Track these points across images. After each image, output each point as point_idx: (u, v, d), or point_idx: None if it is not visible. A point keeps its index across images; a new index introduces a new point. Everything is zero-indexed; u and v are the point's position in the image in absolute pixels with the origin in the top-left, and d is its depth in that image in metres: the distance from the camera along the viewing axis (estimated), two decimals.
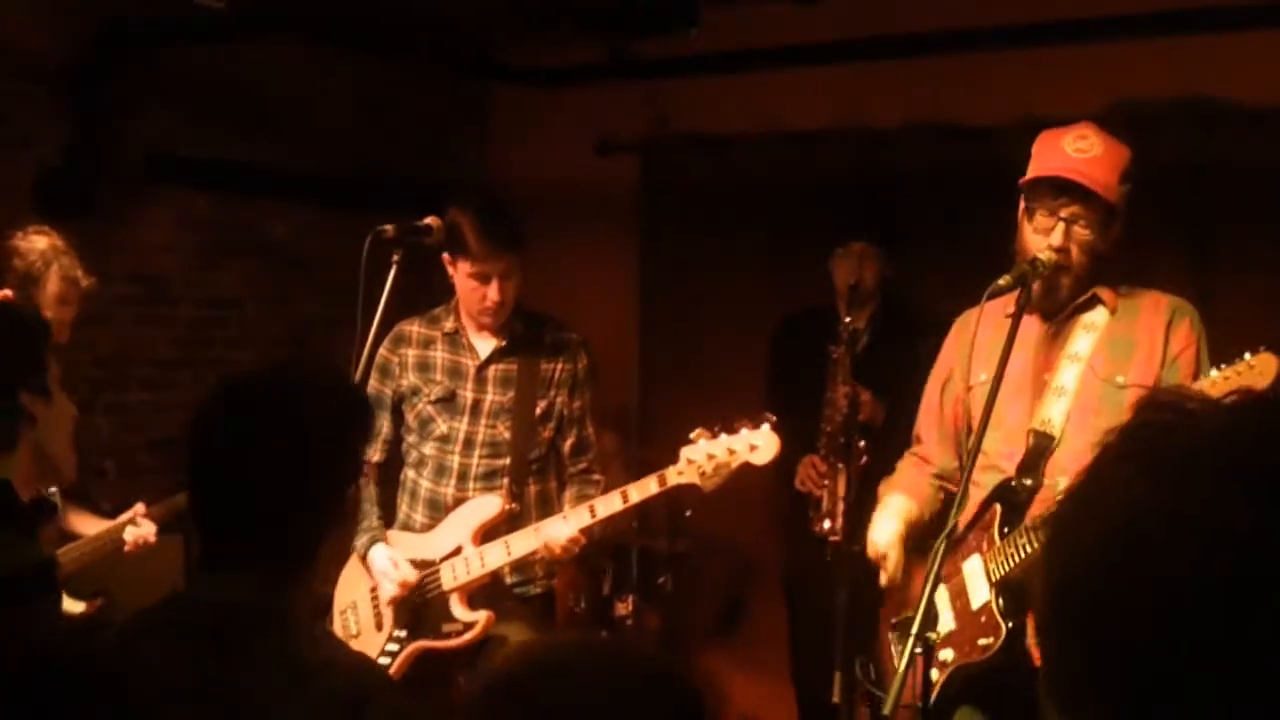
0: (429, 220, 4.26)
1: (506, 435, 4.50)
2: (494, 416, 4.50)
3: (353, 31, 6.24)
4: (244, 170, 6.66)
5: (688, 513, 6.10)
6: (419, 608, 4.46)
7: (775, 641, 6.08)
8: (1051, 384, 3.57)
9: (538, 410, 4.53)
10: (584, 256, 7.12)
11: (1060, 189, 3.48)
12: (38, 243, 4.51)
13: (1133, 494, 1.13)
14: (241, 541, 2.32)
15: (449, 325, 4.57)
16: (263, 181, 6.75)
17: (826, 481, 5.32)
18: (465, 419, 4.50)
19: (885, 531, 3.77)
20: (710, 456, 4.16)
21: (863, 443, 5.29)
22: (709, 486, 4.21)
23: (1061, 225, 3.48)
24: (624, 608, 6.06)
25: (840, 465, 5.25)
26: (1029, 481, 3.52)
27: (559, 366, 4.57)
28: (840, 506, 5.22)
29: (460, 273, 4.41)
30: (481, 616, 4.40)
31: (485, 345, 4.55)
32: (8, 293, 4.41)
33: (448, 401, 4.51)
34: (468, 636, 4.41)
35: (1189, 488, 1.10)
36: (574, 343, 4.62)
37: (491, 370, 4.53)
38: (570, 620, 5.89)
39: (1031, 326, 3.65)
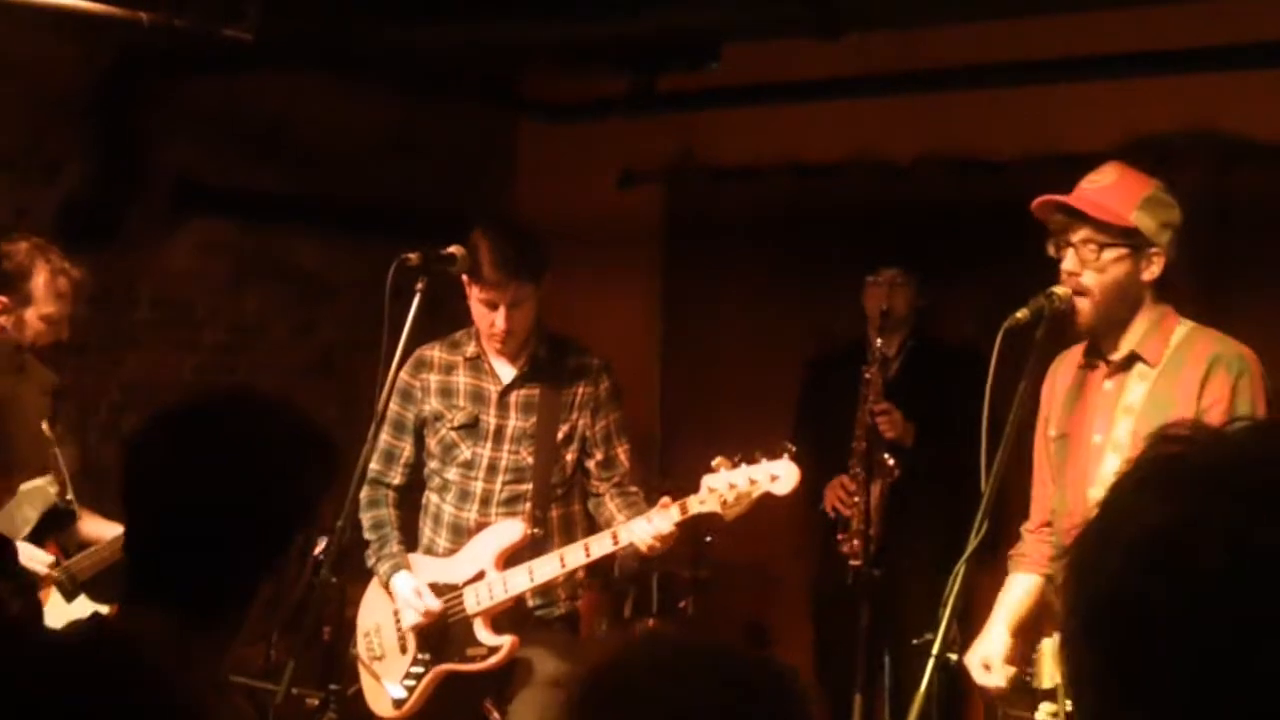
0: (453, 248, 4.29)
1: (529, 460, 4.50)
2: (517, 442, 4.51)
3: (379, 63, 6.30)
4: (269, 198, 6.72)
5: (709, 538, 6.13)
6: (442, 631, 4.48)
7: (797, 665, 6.09)
8: (1110, 438, 3.58)
9: (560, 434, 4.53)
10: (607, 288, 7.16)
11: (1069, 216, 3.53)
12: (21, 244, 4.58)
13: (1152, 517, 1.14)
14: (157, 576, 2.14)
15: (470, 350, 4.57)
16: (288, 210, 6.81)
17: (856, 499, 5.35)
18: (488, 444, 4.51)
19: (996, 636, 3.72)
20: (731, 485, 4.17)
21: (891, 460, 5.33)
22: (730, 515, 4.22)
23: (1072, 251, 3.52)
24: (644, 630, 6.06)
25: (869, 480, 5.30)
26: None
27: (580, 390, 4.57)
28: (868, 528, 5.26)
29: (473, 296, 4.43)
30: (506, 641, 4.41)
31: (507, 371, 4.56)
32: (3, 299, 4.49)
33: (470, 427, 4.52)
34: (493, 660, 4.42)
35: (1206, 505, 1.12)
36: (596, 366, 4.62)
37: (514, 396, 4.54)
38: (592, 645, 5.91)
39: (1094, 383, 3.68)
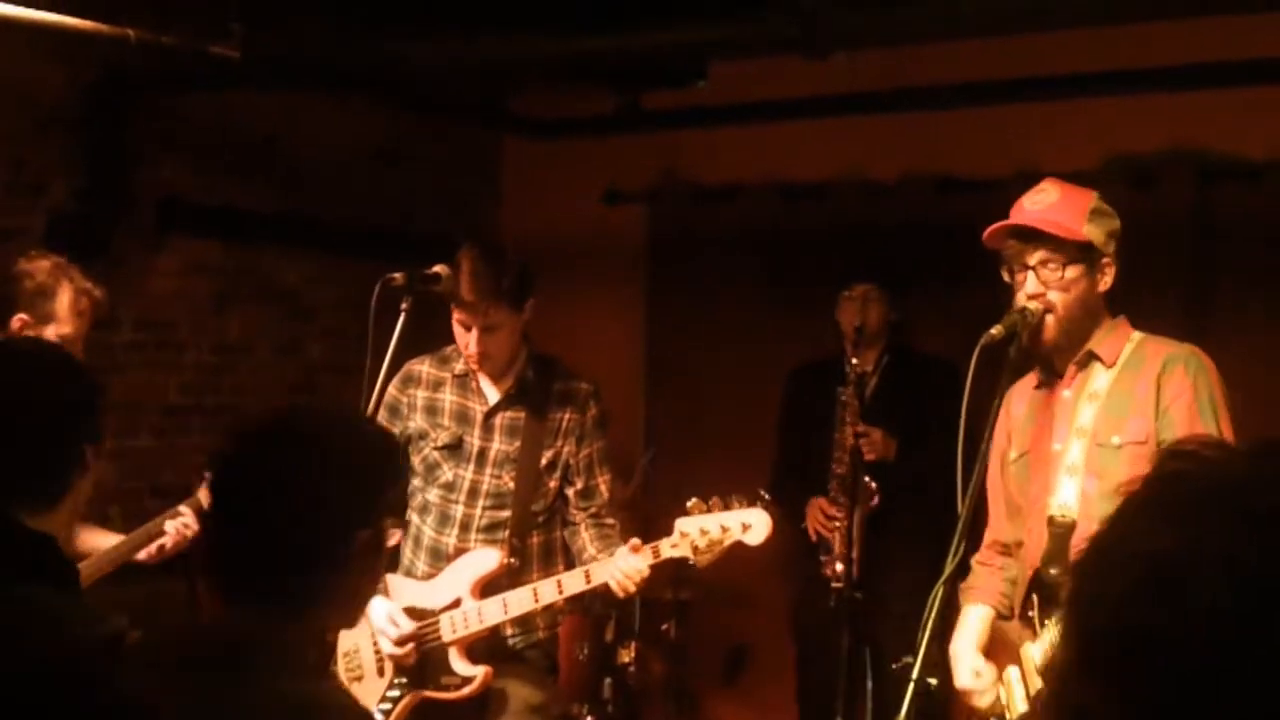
0: (438, 268, 4.28)
1: (511, 485, 4.48)
2: (499, 465, 4.49)
3: (365, 81, 6.31)
4: (254, 218, 6.72)
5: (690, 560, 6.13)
6: (419, 658, 4.47)
7: (779, 687, 6.10)
8: (1064, 462, 3.61)
9: (544, 460, 4.50)
10: (591, 306, 7.17)
11: (1023, 240, 3.56)
12: (42, 262, 4.54)
13: (1154, 541, 1.13)
14: (255, 578, 2.32)
15: (459, 368, 4.55)
16: (273, 229, 6.81)
17: (836, 523, 5.35)
18: (471, 467, 4.49)
19: (965, 669, 3.76)
20: (703, 531, 4.15)
21: (874, 484, 5.34)
22: (702, 563, 4.21)
23: (1032, 274, 3.55)
24: (627, 655, 6.06)
25: (850, 506, 5.30)
26: (1055, 571, 3.54)
27: (567, 416, 4.53)
28: (850, 550, 5.26)
29: (453, 315, 4.43)
30: (480, 671, 4.40)
31: (494, 392, 4.54)
32: (23, 316, 4.45)
33: (454, 448, 4.51)
34: (466, 691, 4.42)
35: (1209, 530, 1.11)
36: (584, 392, 4.58)
37: (499, 418, 4.52)
38: (572, 668, 5.91)
39: (1048, 396, 3.72)
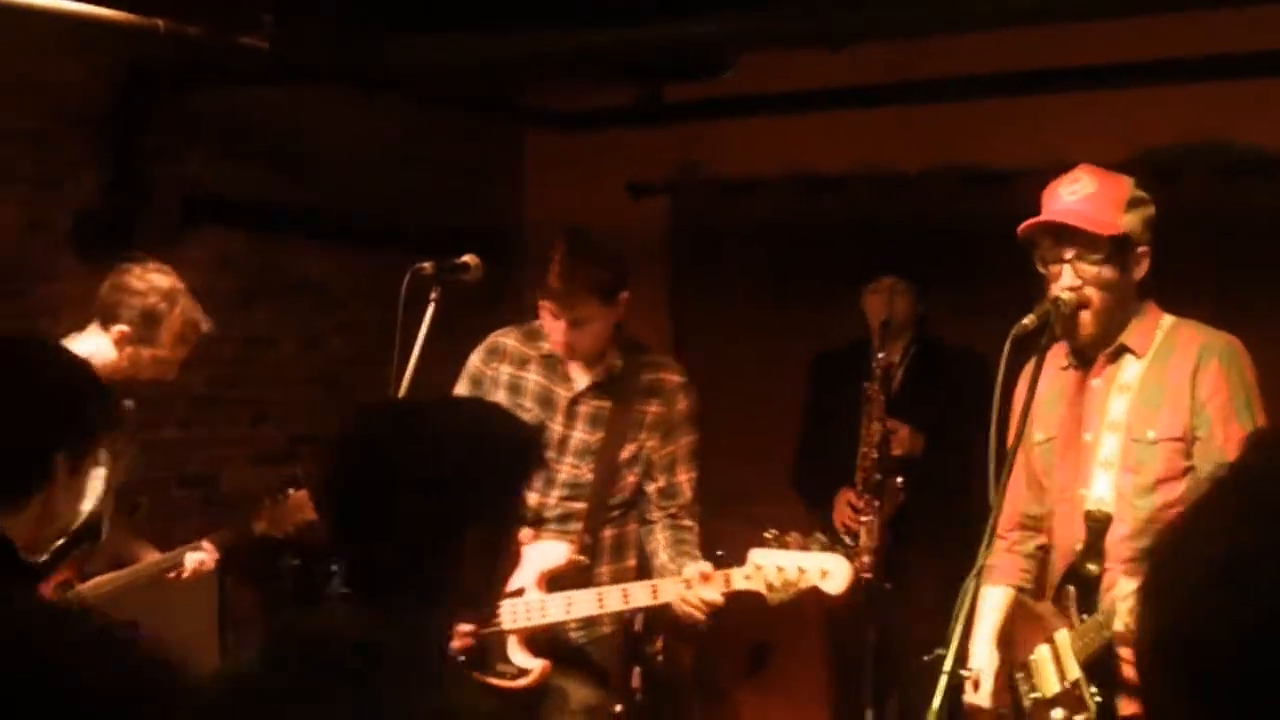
0: (467, 258, 4.27)
1: (589, 477, 4.39)
2: (579, 456, 4.40)
3: (389, 75, 6.32)
4: (280, 211, 6.74)
5: (719, 552, 6.12)
6: (476, 642, 4.39)
7: (807, 680, 6.10)
8: (1098, 455, 3.60)
9: (625, 454, 4.40)
10: None
11: (1057, 234, 3.53)
12: (160, 281, 4.47)
13: (1235, 536, 1.12)
14: (386, 574, 2.32)
15: (547, 346, 4.43)
16: (299, 222, 6.82)
17: (863, 518, 5.34)
18: (550, 453, 4.37)
19: (983, 654, 3.76)
20: (780, 569, 4.04)
21: (899, 479, 5.32)
22: (774, 600, 4.09)
23: (1068, 267, 3.52)
24: (655, 645, 6.06)
25: (876, 503, 5.29)
26: (1093, 566, 3.53)
27: (652, 409, 4.42)
28: (876, 543, 5.24)
29: (540, 303, 4.35)
30: (537, 665, 4.31)
31: (581, 377, 4.43)
32: (124, 329, 4.42)
33: None
34: (521, 682, 4.32)
35: None
36: (673, 385, 4.47)
37: (584, 406, 4.42)
38: None
39: (1077, 381, 3.70)
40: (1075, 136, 5.95)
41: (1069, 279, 3.52)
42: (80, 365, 2.87)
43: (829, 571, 4.02)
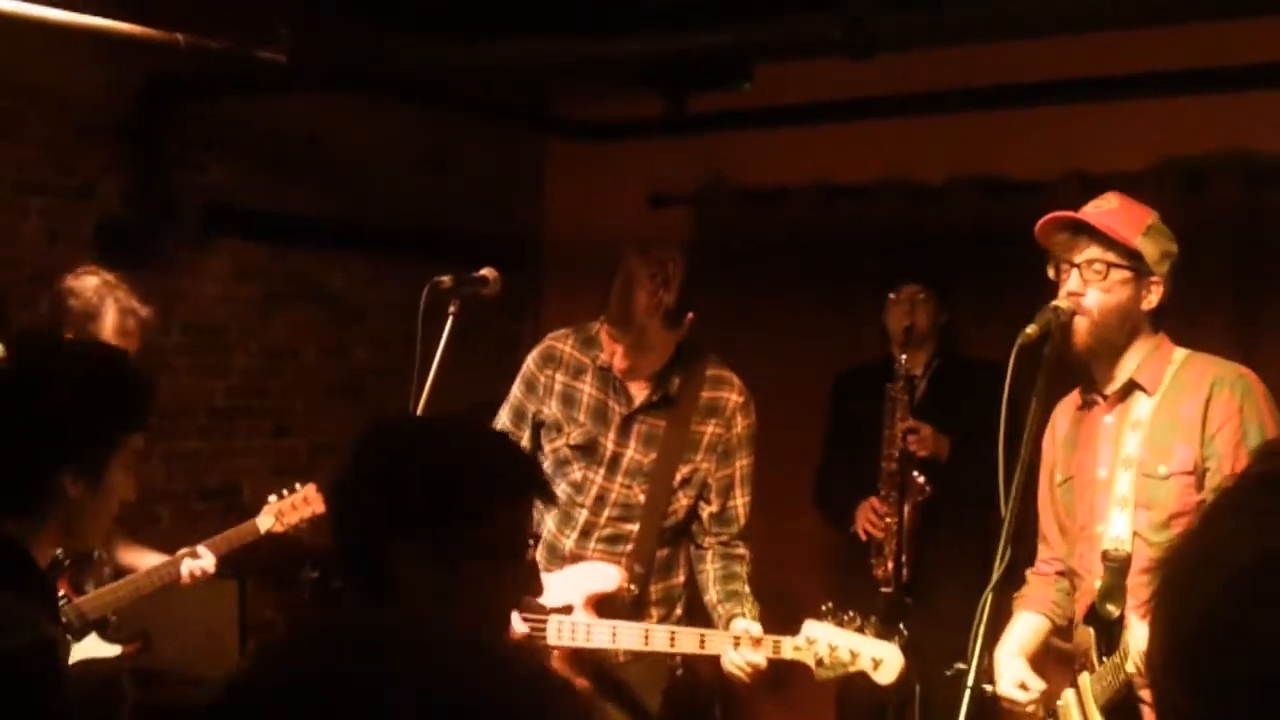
0: (485, 271, 4.27)
1: (640, 499, 4.29)
2: (631, 475, 4.29)
3: (410, 84, 6.32)
4: (301, 221, 6.75)
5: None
6: None
7: (828, 693, 6.07)
8: (1113, 493, 3.58)
9: (679, 476, 4.29)
10: None
11: (1074, 233, 3.54)
12: (89, 280, 4.53)
13: (1242, 545, 1.10)
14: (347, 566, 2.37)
15: (604, 357, 4.29)
16: (319, 233, 6.83)
17: (888, 520, 5.31)
18: (602, 471, 4.30)
19: (1008, 677, 3.73)
20: (832, 647, 3.97)
21: (922, 478, 5.30)
22: (821, 677, 4.03)
23: (1075, 271, 3.52)
24: (675, 659, 6.04)
25: (900, 503, 5.26)
26: (1112, 607, 3.52)
27: (710, 430, 4.31)
28: (900, 550, 5.22)
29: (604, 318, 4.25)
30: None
31: (638, 393, 4.32)
32: (69, 335, 4.45)
33: (587, 449, 4.32)
34: None
35: None
36: (734, 405, 4.35)
37: (638, 424, 4.31)
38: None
39: (1093, 420, 3.70)
40: (1099, 146, 5.93)
41: (1074, 283, 3.52)
42: (91, 374, 2.81)
43: (881, 661, 3.97)
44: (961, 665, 3.16)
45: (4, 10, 4.78)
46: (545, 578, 4.24)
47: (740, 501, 4.35)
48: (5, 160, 5.68)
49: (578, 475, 4.32)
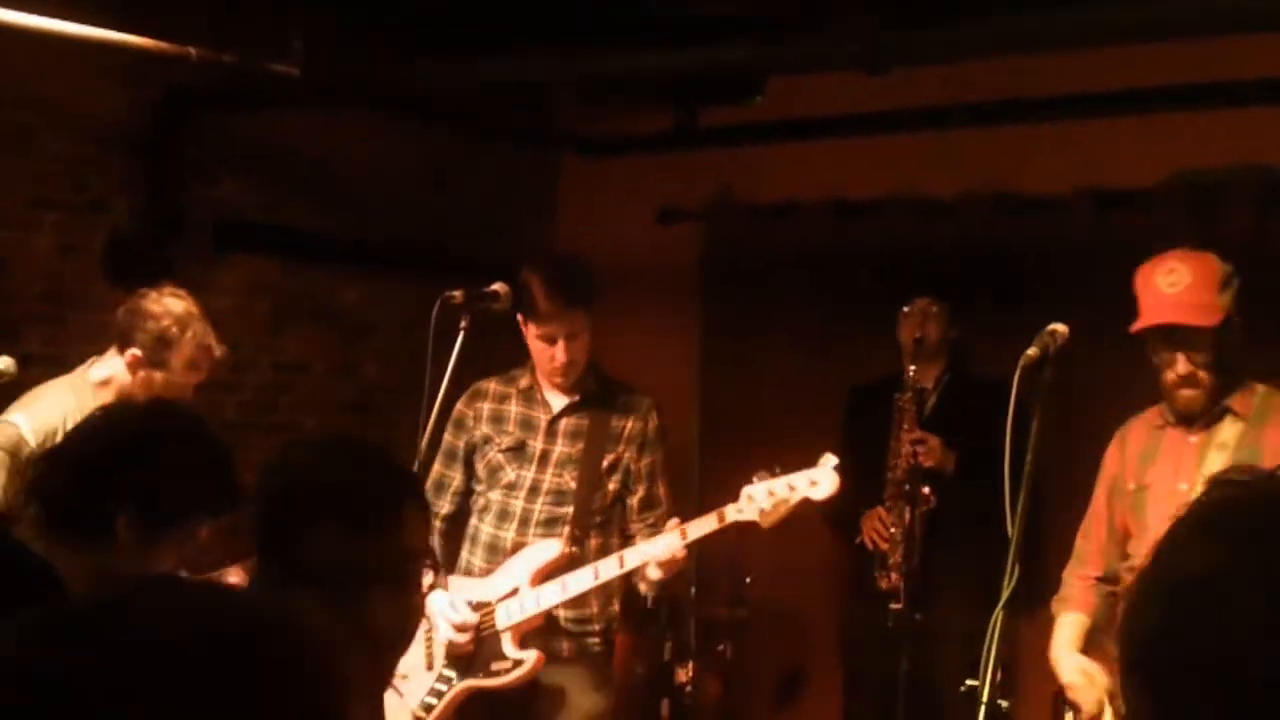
0: (496, 286, 4.32)
1: (571, 485, 4.56)
2: (561, 466, 4.58)
3: (421, 99, 6.33)
4: (312, 238, 6.75)
5: (748, 579, 6.10)
6: (471, 647, 4.50)
7: (835, 711, 6.06)
8: (1197, 483, 3.64)
9: (605, 463, 4.60)
10: (645, 323, 7.15)
11: (1167, 332, 3.75)
12: (173, 306, 4.46)
13: (1195, 562, 1.19)
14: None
15: (524, 383, 4.67)
16: (330, 249, 6.84)
17: (893, 529, 5.30)
18: (533, 467, 4.58)
19: (1070, 666, 3.92)
20: (770, 493, 4.22)
21: (927, 489, 5.30)
22: (767, 523, 4.27)
23: (1182, 356, 3.73)
24: (684, 674, 6.05)
25: (906, 512, 5.26)
26: None
27: (629, 423, 4.64)
28: (904, 559, 5.21)
29: (530, 334, 4.50)
30: (532, 655, 4.43)
31: (558, 401, 4.63)
32: (137, 353, 4.42)
33: (517, 451, 4.60)
34: (517, 674, 4.43)
35: (1249, 551, 1.17)
36: (645, 404, 4.70)
37: (562, 423, 4.63)
38: (630, 688, 5.89)
39: (1175, 438, 3.88)
40: (1111, 161, 5.93)
41: (1183, 367, 3.74)
42: (184, 442, 2.84)
43: (817, 481, 4.23)
44: (972, 681, 3.16)
45: (16, 24, 4.79)
46: (488, 576, 4.54)
47: (662, 488, 4.70)
48: (19, 174, 5.69)
49: (511, 476, 4.60)
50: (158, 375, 4.44)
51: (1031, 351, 3.55)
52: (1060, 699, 3.88)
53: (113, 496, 2.65)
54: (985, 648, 3.18)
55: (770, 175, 6.99)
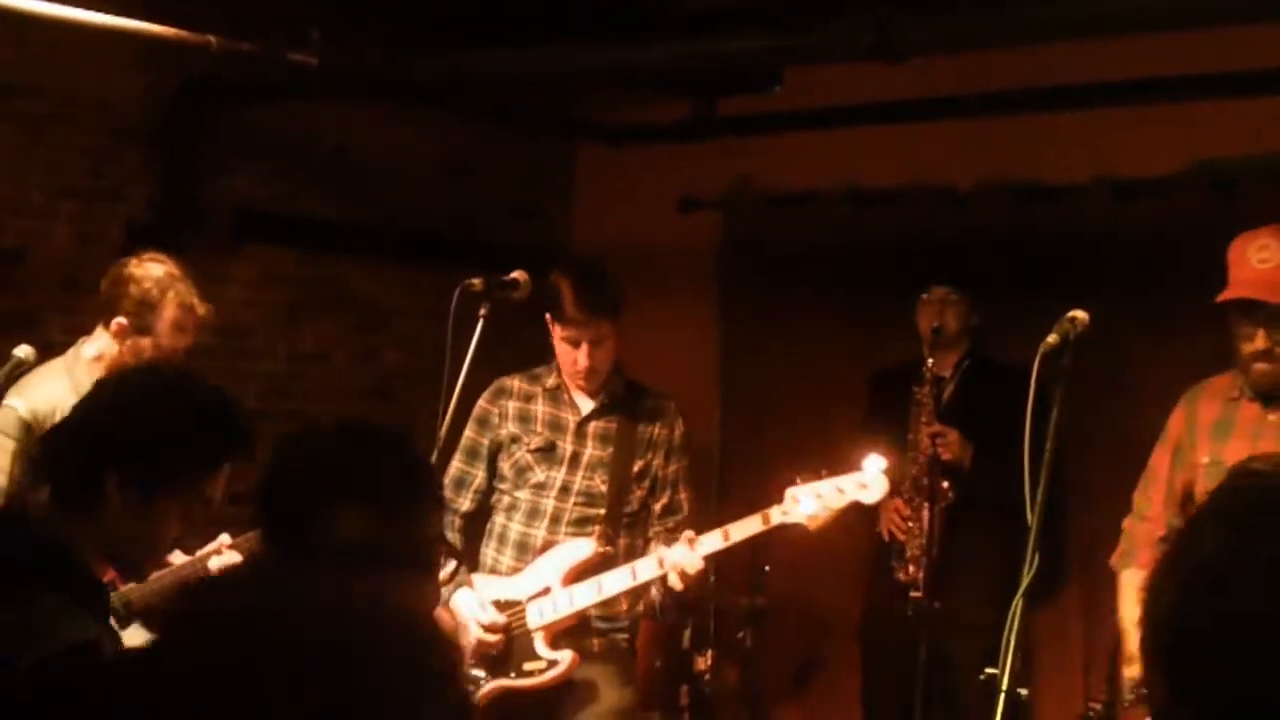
0: (516, 274, 4.32)
1: (603, 488, 4.55)
2: (592, 469, 4.57)
3: (439, 89, 6.33)
4: (329, 227, 6.76)
5: (766, 568, 6.10)
6: (501, 647, 4.46)
7: (854, 698, 6.06)
8: None
9: (635, 468, 4.60)
10: (664, 313, 7.14)
11: (1249, 305, 3.82)
12: (153, 269, 4.49)
13: (1207, 548, 1.23)
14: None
15: (550, 382, 4.65)
16: (347, 238, 6.85)
17: (910, 523, 5.30)
18: (563, 469, 4.56)
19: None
20: (818, 496, 4.18)
21: (946, 483, 5.28)
22: (814, 526, 4.22)
23: (1261, 331, 3.79)
24: (703, 663, 6.05)
25: (924, 506, 5.25)
26: None
27: (656, 430, 4.64)
28: (922, 552, 5.21)
29: (556, 335, 4.49)
30: (567, 656, 4.40)
31: (586, 403, 4.63)
32: (122, 321, 4.44)
33: (547, 451, 4.59)
34: (551, 674, 4.40)
35: (1259, 537, 1.20)
36: (671, 410, 4.70)
37: (592, 426, 4.61)
38: (649, 676, 5.89)
39: (1252, 412, 3.96)
40: (1129, 150, 5.91)
41: (1261, 342, 3.81)
42: (168, 399, 2.83)
43: (866, 484, 4.19)
44: (992, 670, 3.16)
45: (35, 12, 4.80)
46: (517, 575, 4.51)
47: (685, 496, 4.69)
48: (37, 163, 5.71)
49: (540, 476, 4.59)
50: (145, 341, 4.45)
51: (1052, 338, 3.53)
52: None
53: (99, 459, 2.65)
54: (1005, 636, 3.18)
55: (788, 164, 6.98)
